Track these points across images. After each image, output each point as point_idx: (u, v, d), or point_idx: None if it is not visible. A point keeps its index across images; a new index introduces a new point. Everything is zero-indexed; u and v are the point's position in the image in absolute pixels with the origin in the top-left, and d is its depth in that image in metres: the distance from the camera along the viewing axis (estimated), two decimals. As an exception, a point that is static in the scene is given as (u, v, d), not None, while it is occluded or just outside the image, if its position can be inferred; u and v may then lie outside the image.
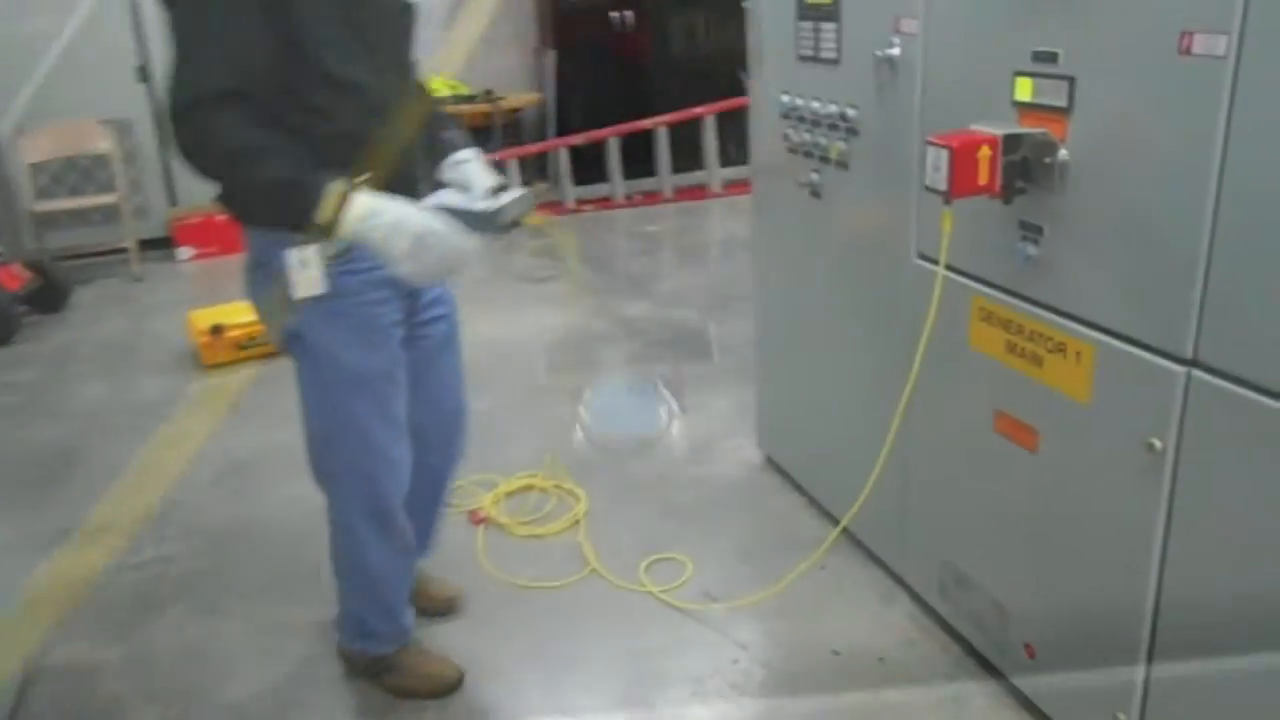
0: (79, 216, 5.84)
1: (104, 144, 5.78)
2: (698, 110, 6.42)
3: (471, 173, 1.92)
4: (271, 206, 1.68)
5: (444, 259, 1.67)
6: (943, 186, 1.67)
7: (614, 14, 6.84)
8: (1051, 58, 1.64)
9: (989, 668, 2.11)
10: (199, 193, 6.41)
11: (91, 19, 5.62)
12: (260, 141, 1.62)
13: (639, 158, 6.60)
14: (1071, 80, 1.61)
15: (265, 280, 1.78)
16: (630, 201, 6.64)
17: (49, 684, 2.28)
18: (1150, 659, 1.65)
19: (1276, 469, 1.37)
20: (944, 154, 1.64)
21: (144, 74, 5.90)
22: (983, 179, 1.67)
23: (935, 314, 1.92)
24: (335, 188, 1.61)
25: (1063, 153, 1.65)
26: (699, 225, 6.14)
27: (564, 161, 6.54)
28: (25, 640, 2.33)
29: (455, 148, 1.97)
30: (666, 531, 2.74)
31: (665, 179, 6.68)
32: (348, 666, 2.25)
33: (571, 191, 6.59)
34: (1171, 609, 1.59)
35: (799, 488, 2.87)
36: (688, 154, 6.60)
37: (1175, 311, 1.47)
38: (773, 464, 3.03)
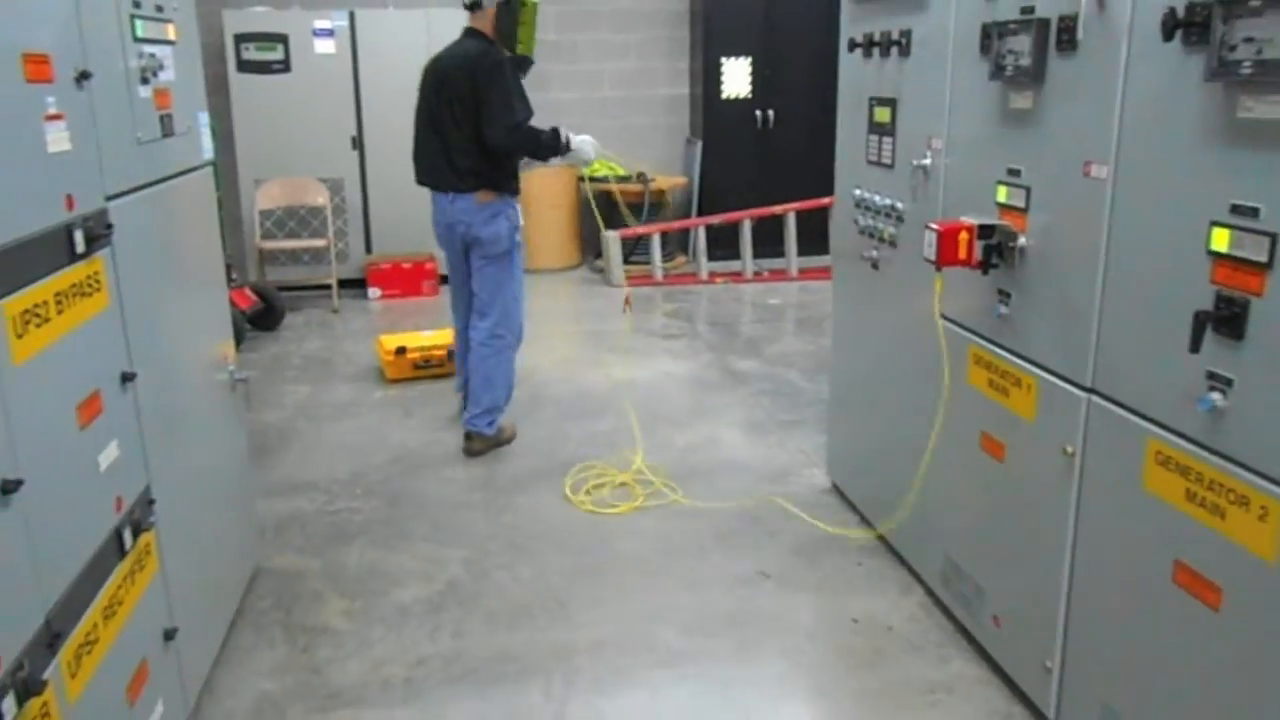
0: (293, 256, 7.02)
1: (320, 198, 6.97)
2: (824, 200, 7.13)
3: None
4: (551, 146, 3.99)
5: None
6: (933, 258, 2.34)
7: (757, 111, 7.70)
8: (1017, 173, 2.30)
9: (972, 639, 2.68)
10: (391, 243, 7.61)
11: (319, 96, 6.87)
12: (541, 130, 3.93)
13: (770, 239, 7.36)
14: (1028, 189, 2.26)
15: (502, 220, 4.02)
16: (758, 277, 7.38)
17: (270, 579, 3.13)
18: (1067, 628, 2.21)
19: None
20: (934, 235, 2.32)
21: (356, 143, 7.08)
22: (962, 255, 2.33)
23: (947, 356, 2.56)
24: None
25: (1022, 240, 2.29)
26: (817, 301, 6.79)
27: (702, 238, 7.36)
28: (255, 550, 3.18)
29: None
30: (741, 529, 3.40)
31: (792, 259, 7.40)
32: (481, 446, 4.09)
33: (706, 265, 7.38)
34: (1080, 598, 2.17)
35: (852, 506, 3.48)
36: (813, 238, 7.31)
37: (1081, 349, 2.09)
38: (837, 489, 3.66)
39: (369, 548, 3.34)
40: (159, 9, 2.42)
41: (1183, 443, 1.82)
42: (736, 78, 7.68)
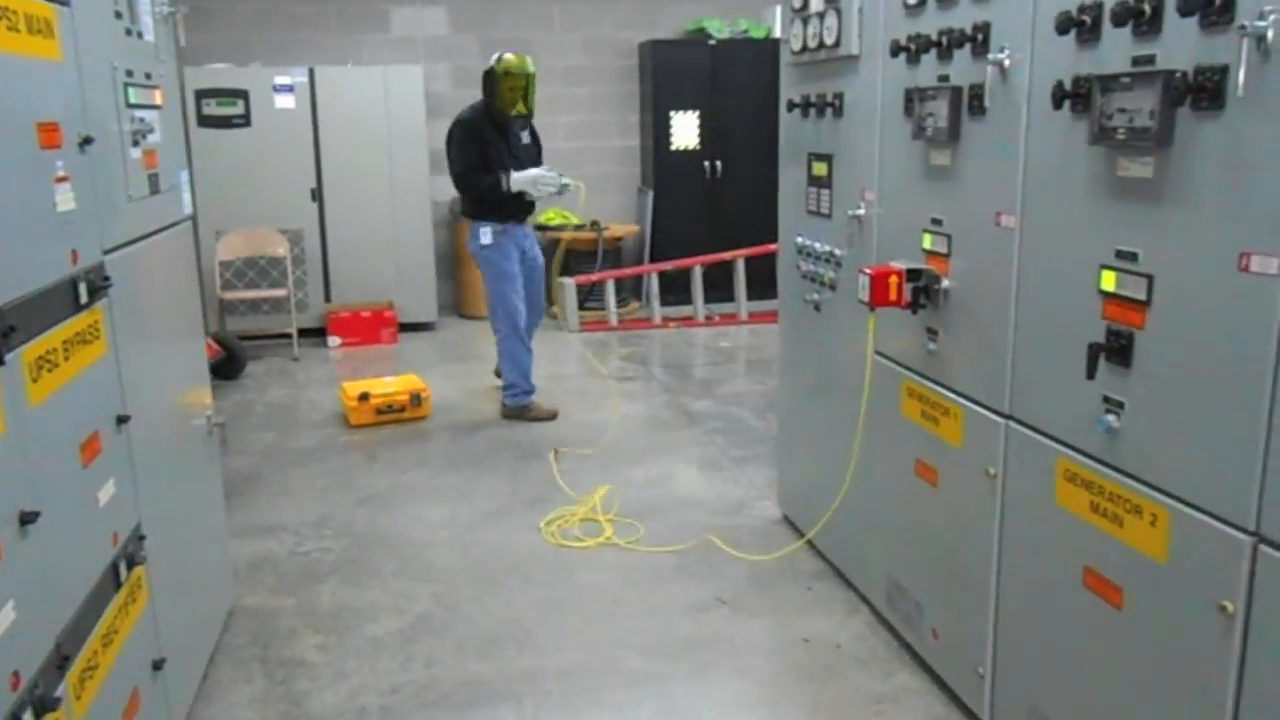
0: (254, 305, 7.12)
1: (280, 248, 7.10)
2: (772, 247, 7.41)
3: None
4: (492, 192, 5.08)
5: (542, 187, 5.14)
6: (867, 299, 2.58)
7: (705, 162, 8.01)
8: (940, 222, 2.55)
9: (914, 653, 2.88)
10: (350, 291, 7.75)
11: (279, 150, 7.04)
12: (484, 177, 4.97)
13: (720, 284, 7.63)
14: (950, 237, 2.52)
15: (474, 241, 5.21)
16: (710, 321, 7.63)
17: (245, 617, 3.24)
18: (996, 636, 2.42)
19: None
20: (867, 279, 2.56)
21: (316, 195, 7.25)
22: (893, 296, 2.57)
23: (869, 389, 2.80)
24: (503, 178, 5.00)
25: (946, 282, 2.54)
26: (766, 343, 7.04)
27: (655, 284, 7.61)
28: (230, 589, 3.29)
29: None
30: (698, 560, 3.58)
31: (741, 303, 7.67)
32: (511, 415, 5.25)
33: (659, 310, 7.62)
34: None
35: (801, 534, 3.68)
36: (762, 283, 7.58)
37: (998, 379, 2.33)
38: (787, 519, 3.86)
39: (340, 585, 3.46)
40: (148, 76, 2.60)
41: (1086, 460, 2.05)
42: (685, 130, 7.99)
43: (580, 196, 5.25)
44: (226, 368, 6.18)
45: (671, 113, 7.95)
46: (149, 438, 2.43)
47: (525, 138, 5.38)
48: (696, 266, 7.59)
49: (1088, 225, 2.00)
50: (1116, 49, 1.87)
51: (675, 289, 7.70)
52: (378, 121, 7.19)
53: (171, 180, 2.80)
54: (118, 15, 2.41)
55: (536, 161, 5.37)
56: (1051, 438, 2.17)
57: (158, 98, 2.67)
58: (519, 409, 5.30)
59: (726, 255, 7.57)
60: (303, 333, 7.04)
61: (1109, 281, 1.94)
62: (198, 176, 6.98)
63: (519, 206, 5.24)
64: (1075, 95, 1.96)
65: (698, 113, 7.97)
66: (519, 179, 5.09)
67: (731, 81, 7.89)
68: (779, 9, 7.85)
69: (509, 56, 5.09)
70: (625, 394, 5.77)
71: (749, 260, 7.58)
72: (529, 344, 5.33)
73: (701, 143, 8.02)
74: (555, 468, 4.50)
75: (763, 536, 3.78)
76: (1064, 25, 1.95)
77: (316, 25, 7.70)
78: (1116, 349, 1.93)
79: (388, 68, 7.32)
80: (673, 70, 7.91)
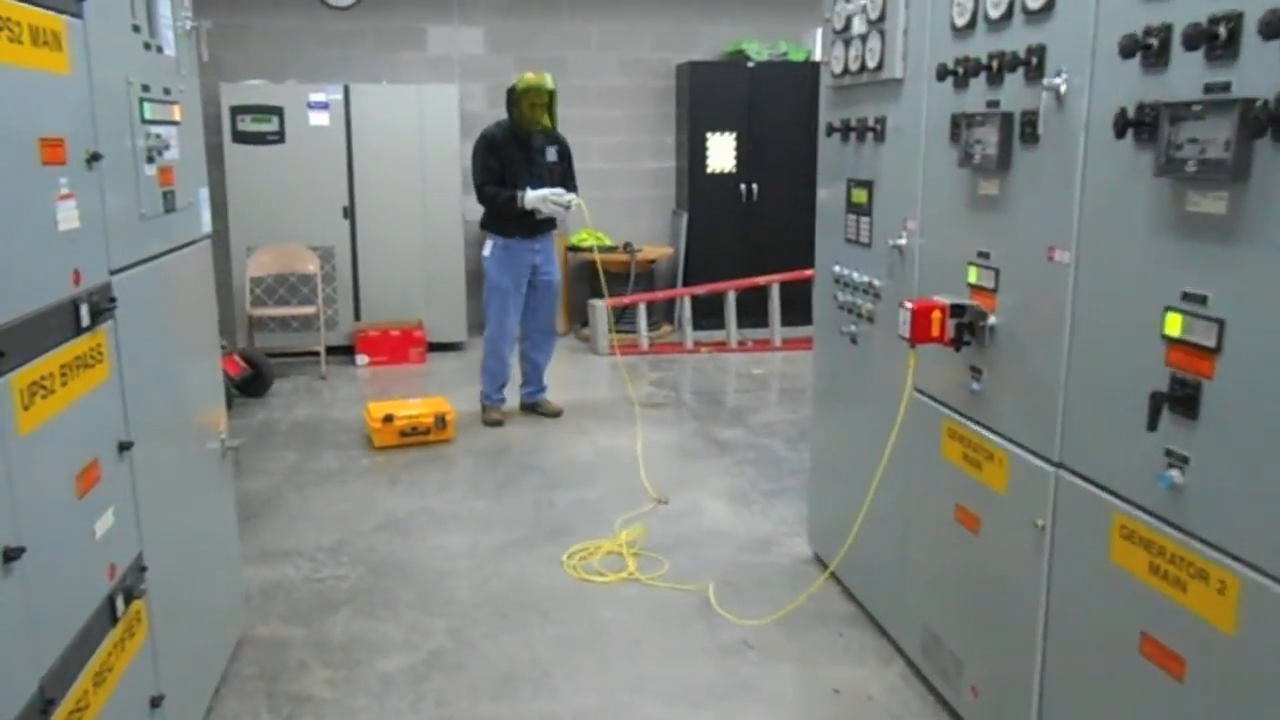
0: (283, 323, 7.09)
1: (311, 266, 7.07)
2: (807, 273, 7.28)
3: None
4: (507, 206, 5.27)
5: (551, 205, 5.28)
6: (907, 335, 2.44)
7: (742, 185, 7.90)
8: (986, 255, 2.41)
9: (951, 710, 2.71)
10: (380, 310, 7.73)
11: (312, 167, 7.02)
12: (501, 191, 5.21)
13: (754, 309, 7.50)
14: (997, 271, 2.37)
15: (483, 248, 5.53)
16: (742, 347, 7.49)
17: (255, 647, 3.14)
18: (1042, 698, 2.26)
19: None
20: (908, 313, 2.42)
21: (348, 212, 7.21)
22: (935, 333, 2.43)
23: (902, 423, 2.64)
24: (519, 194, 5.14)
25: (992, 319, 2.39)
26: (800, 371, 6.89)
27: (687, 308, 7.48)
28: (241, 618, 3.20)
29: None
30: (724, 599, 3.43)
31: (775, 329, 7.52)
32: (482, 413, 5.52)
33: (691, 335, 7.49)
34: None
35: (834, 576, 3.52)
36: (797, 309, 7.43)
37: (1048, 425, 2.17)
38: (818, 559, 3.71)
39: (354, 616, 3.35)
40: (166, 91, 2.53)
41: (1145, 517, 1.90)
42: (722, 152, 7.89)
43: (584, 215, 5.44)
44: (253, 385, 6.13)
45: (708, 134, 7.85)
46: (155, 463, 2.34)
47: (552, 155, 5.50)
48: (730, 291, 7.46)
49: (1151, 264, 1.85)
50: (1187, 74, 1.73)
51: (708, 313, 7.57)
52: (411, 140, 7.15)
53: (189, 198, 2.72)
54: (135, 29, 2.34)
55: (562, 180, 5.48)
56: (1107, 490, 2.01)
57: (176, 113, 2.60)
58: (481, 409, 5.65)
59: (761, 280, 7.44)
60: (331, 351, 6.99)
61: (1174, 326, 1.79)
62: (230, 193, 7.08)
63: (527, 223, 5.35)
64: (1140, 124, 1.82)
65: (735, 135, 7.86)
66: (531, 197, 5.23)
67: (770, 104, 7.79)
68: (819, 31, 7.82)
69: (529, 75, 5.32)
70: (653, 420, 5.64)
71: (784, 285, 7.44)
72: (508, 357, 5.59)
73: (738, 166, 7.91)
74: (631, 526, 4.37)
75: (792, 576, 3.62)
76: (1129, 48, 1.82)
77: (352, 43, 7.69)
78: (1181, 399, 1.78)
79: (423, 86, 7.29)
80: (710, 92, 7.81)
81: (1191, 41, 1.67)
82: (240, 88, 7.02)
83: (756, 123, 7.83)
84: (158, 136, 2.44)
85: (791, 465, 4.82)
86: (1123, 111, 1.84)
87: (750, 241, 7.92)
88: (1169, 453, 1.82)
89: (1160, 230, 1.83)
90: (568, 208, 5.31)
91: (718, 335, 7.56)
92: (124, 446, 2.13)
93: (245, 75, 7.25)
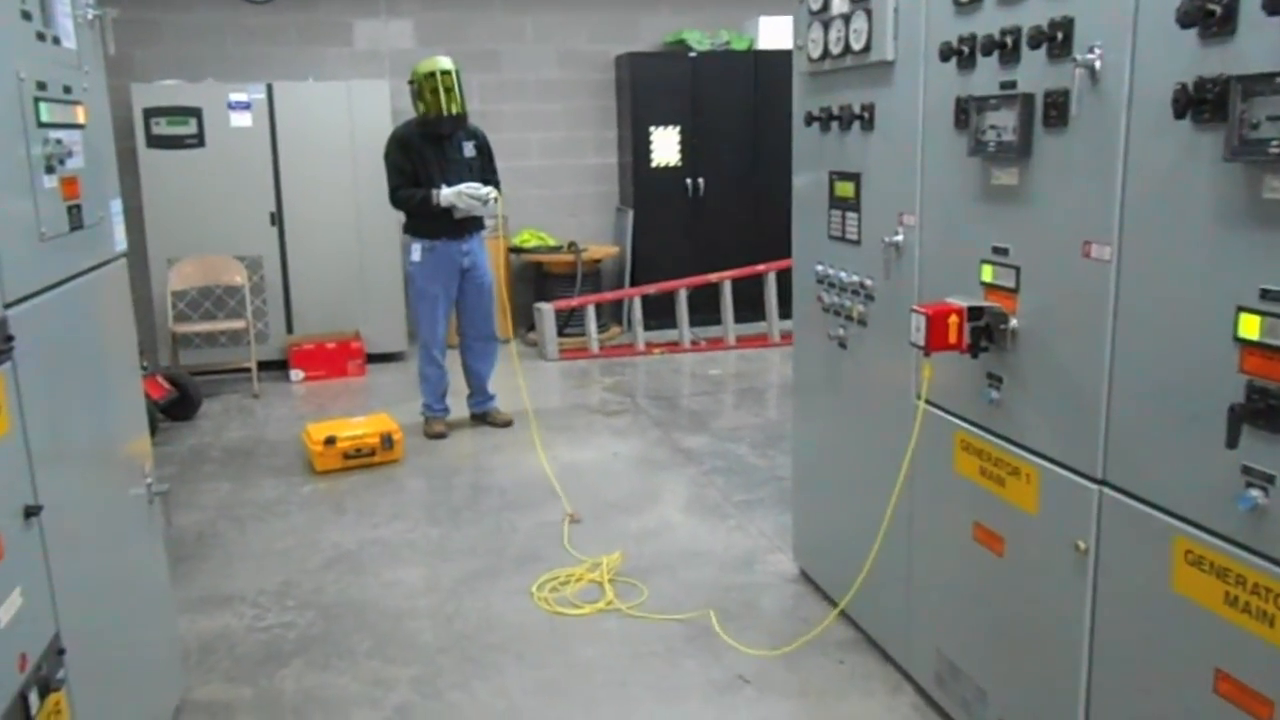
0: (209, 338, 6.65)
1: (238, 277, 6.64)
2: (759, 268, 7.10)
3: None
4: (422, 207, 5.03)
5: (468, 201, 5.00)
6: (922, 343, 2.21)
7: (687, 180, 7.66)
8: (1004, 252, 2.19)
9: (973, 745, 2.50)
10: (314, 322, 7.32)
11: (235, 171, 6.60)
12: (415, 192, 4.94)
13: (705, 307, 7.27)
14: (1018, 269, 2.16)
15: (409, 253, 5.22)
16: (696, 346, 7.26)
17: (195, 713, 2.80)
18: (1088, 725, 2.06)
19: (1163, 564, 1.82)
20: (923, 319, 2.19)
21: (275, 219, 6.80)
22: (952, 339, 2.20)
23: (916, 439, 2.42)
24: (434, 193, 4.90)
25: (1014, 321, 2.18)
26: (757, 370, 6.70)
27: (637, 308, 7.22)
28: (178, 680, 2.85)
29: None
30: (711, 627, 3.19)
31: (729, 327, 7.30)
32: (424, 425, 5.28)
33: (642, 335, 7.23)
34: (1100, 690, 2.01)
35: (825, 595, 3.30)
36: (749, 305, 7.24)
37: (1089, 438, 1.96)
38: (805, 575, 3.48)
39: (306, 670, 3.02)
40: (67, 90, 2.18)
41: (1218, 541, 1.69)
42: (666, 146, 7.64)
43: (498, 207, 5.14)
44: (179, 407, 5.70)
45: (651, 128, 7.59)
46: (70, 526, 2.00)
47: (469, 150, 5.22)
48: (681, 289, 7.22)
49: (1219, 258, 1.64)
50: (1260, 44, 1.52)
51: (659, 313, 7.32)
52: (341, 140, 6.76)
53: (99, 212, 2.37)
54: (25, 15, 1.99)
55: (481, 175, 5.21)
56: (1166, 511, 1.80)
57: (80, 115, 2.25)
58: (423, 421, 5.37)
59: (712, 277, 7.20)
60: (263, 366, 6.57)
61: (1251, 328, 1.58)
62: (147, 202, 6.60)
63: (451, 223, 5.09)
64: (1202, 102, 1.61)
65: (679, 128, 7.61)
66: (446, 193, 4.99)
67: (714, 96, 7.56)
68: (761, 19, 7.63)
69: (421, 61, 5.13)
70: (612, 430, 5.38)
71: (735, 282, 7.22)
72: (443, 363, 5.32)
73: (683, 159, 7.66)
74: (565, 532, 4.09)
75: (780, 596, 3.39)
76: (1189, 17, 1.60)
77: (275, 39, 7.26)
78: (1263, 410, 1.57)
79: (351, 83, 6.90)
80: (652, 84, 7.55)
81: (1273, 4, 1.46)
82: (154, 88, 6.56)
83: (700, 115, 7.59)
84: (58, 142, 2.09)
85: (763, 474, 4.59)
86: (1184, 88, 1.63)
87: (698, 237, 7.68)
88: (1247, 470, 1.61)
89: (1230, 220, 1.62)
90: (486, 203, 5.02)
91: (670, 335, 7.31)
92: (31, 512, 1.79)
93: (159, 75, 6.79)
